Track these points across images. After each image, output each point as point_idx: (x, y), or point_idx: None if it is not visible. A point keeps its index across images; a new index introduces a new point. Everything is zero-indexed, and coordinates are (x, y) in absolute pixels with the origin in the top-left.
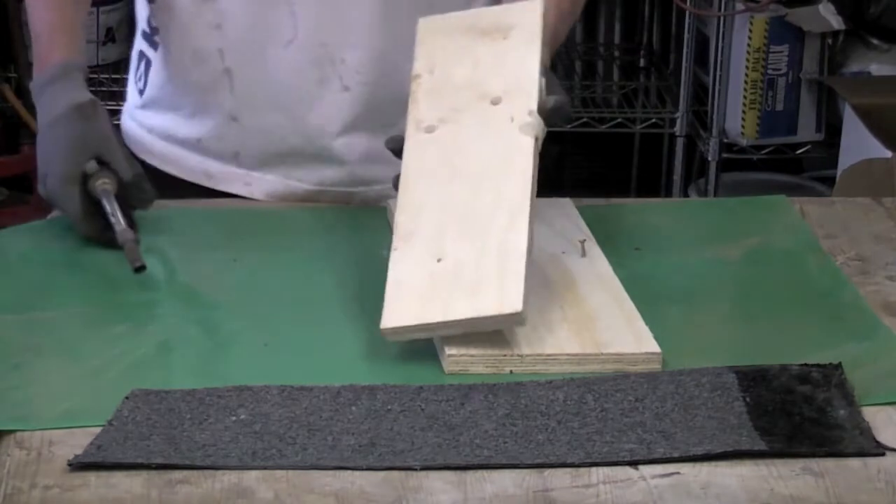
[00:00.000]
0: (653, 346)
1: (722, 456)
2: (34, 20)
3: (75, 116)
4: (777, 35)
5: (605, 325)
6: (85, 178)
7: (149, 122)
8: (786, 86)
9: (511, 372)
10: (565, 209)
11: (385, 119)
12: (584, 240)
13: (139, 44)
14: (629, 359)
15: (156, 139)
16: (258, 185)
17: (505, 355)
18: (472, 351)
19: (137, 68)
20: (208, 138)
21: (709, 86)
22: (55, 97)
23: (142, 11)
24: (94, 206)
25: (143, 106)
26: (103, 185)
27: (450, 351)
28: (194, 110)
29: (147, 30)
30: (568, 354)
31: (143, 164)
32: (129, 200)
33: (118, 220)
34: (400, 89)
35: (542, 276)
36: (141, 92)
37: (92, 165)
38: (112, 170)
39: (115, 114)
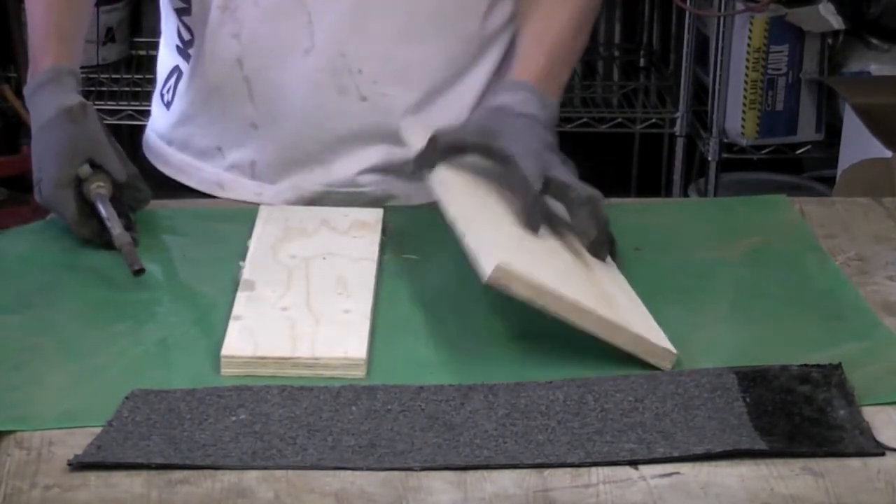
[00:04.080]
0: (670, 346)
1: (722, 456)
2: (30, 24)
3: (65, 120)
4: (777, 35)
5: (626, 308)
6: (79, 182)
7: (170, 133)
8: (786, 86)
9: (543, 307)
10: None
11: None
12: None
13: (172, 59)
14: (648, 347)
15: (174, 151)
16: (268, 193)
17: (546, 289)
18: (515, 269)
19: (166, 82)
20: (228, 146)
21: (709, 86)
22: (45, 102)
23: (171, 27)
24: (90, 209)
25: (168, 118)
26: (97, 188)
27: (495, 262)
28: (216, 118)
29: (180, 44)
30: (600, 315)
31: (158, 173)
32: (125, 201)
33: (114, 224)
34: (416, 102)
35: (559, 263)
36: (168, 104)
37: (85, 169)
38: (106, 172)
39: (115, 113)
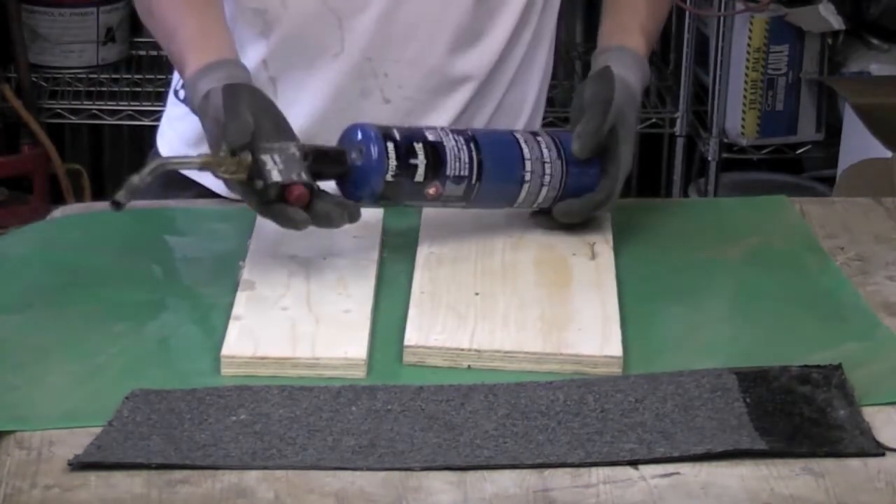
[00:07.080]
0: (614, 350)
1: (722, 456)
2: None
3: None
4: (777, 35)
5: (579, 326)
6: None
7: (180, 127)
8: (786, 86)
9: (469, 367)
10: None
11: None
12: (594, 243)
13: None
14: (588, 361)
15: (183, 146)
16: None
17: (463, 350)
18: (431, 343)
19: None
20: None
21: (709, 86)
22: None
23: None
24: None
25: (180, 112)
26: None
27: (409, 342)
28: None
29: None
30: (526, 352)
31: (167, 172)
32: None
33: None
34: (441, 106)
35: (540, 277)
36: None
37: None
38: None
39: (115, 113)
